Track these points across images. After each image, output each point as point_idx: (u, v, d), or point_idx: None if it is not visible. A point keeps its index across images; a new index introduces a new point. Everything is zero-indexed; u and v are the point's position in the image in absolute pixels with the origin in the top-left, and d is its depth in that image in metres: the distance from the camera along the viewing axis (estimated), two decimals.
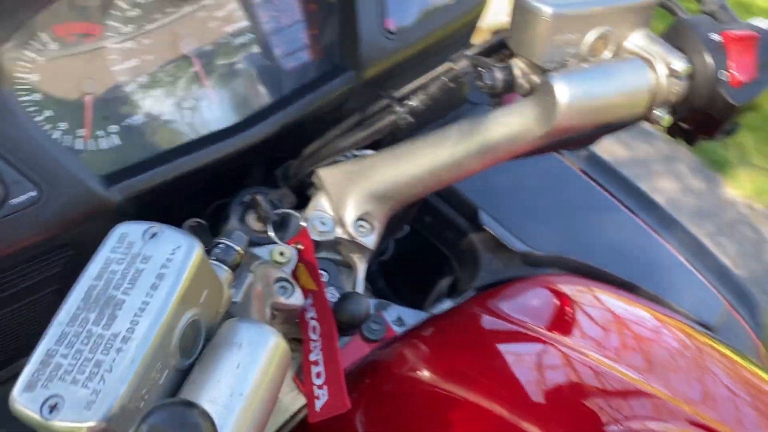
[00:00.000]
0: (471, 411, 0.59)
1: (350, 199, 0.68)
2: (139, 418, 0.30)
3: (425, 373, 0.64)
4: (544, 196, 0.90)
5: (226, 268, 0.45)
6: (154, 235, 0.38)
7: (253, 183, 0.74)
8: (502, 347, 0.66)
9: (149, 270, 0.36)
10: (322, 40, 0.73)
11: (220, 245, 0.46)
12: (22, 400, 0.34)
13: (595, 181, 0.95)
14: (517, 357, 0.64)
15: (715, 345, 0.70)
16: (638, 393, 0.58)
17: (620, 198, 0.94)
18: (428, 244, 0.90)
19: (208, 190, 0.73)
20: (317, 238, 0.68)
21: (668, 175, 2.74)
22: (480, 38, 1.14)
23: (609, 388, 0.59)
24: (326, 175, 0.69)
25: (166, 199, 0.64)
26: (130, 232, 0.38)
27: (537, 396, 0.59)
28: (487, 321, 0.70)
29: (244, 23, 0.69)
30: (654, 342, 0.69)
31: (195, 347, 0.39)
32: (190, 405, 0.31)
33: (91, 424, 0.32)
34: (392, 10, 0.72)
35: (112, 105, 0.61)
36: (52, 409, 0.32)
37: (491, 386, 0.61)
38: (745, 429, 0.57)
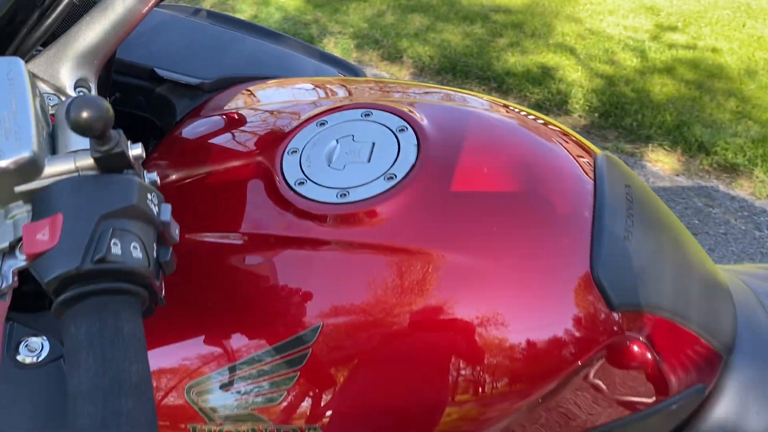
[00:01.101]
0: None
1: (61, 73, 0.85)
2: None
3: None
4: (193, 45, 1.14)
5: None
6: None
7: None
8: (210, 141, 0.94)
9: None
10: None
11: None
12: None
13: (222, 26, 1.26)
14: (222, 140, 0.93)
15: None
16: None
17: (243, 32, 1.26)
18: (128, 116, 1.09)
19: None
20: (51, 113, 0.87)
21: None
22: None
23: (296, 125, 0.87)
24: (33, 66, 0.86)
25: None
26: None
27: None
28: (188, 127, 0.97)
29: None
30: (305, 92, 1.03)
31: None
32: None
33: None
34: None
35: None
36: None
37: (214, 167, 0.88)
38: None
